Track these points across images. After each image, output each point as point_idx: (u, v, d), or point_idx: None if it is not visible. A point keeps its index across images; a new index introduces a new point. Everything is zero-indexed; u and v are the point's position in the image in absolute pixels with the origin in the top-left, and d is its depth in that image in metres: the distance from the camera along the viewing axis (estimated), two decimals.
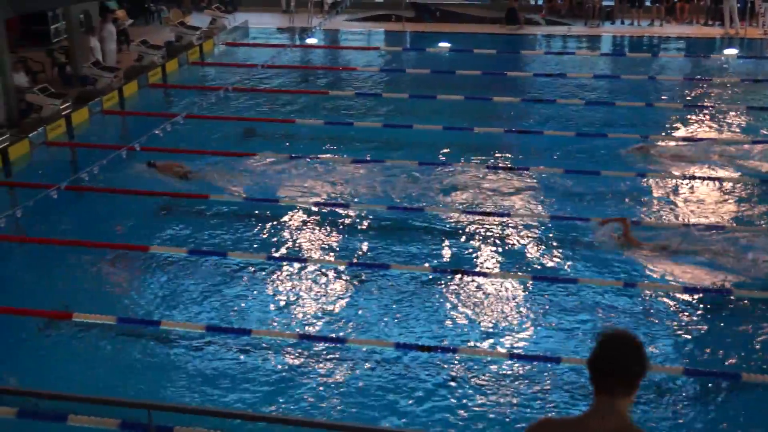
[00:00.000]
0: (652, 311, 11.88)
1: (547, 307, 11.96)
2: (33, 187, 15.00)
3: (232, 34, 27.18)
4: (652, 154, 17.17)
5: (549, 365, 10.58)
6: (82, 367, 10.80)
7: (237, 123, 19.40)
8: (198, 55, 24.70)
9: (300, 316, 11.90)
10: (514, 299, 12.20)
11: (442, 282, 12.56)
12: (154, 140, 15.69)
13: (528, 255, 13.40)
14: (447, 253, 13.50)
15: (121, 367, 10.80)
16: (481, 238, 13.91)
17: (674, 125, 19.22)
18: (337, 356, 10.90)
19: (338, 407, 9.97)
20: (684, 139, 18.27)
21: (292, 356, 10.93)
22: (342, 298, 12.31)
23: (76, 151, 18.12)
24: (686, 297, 12.13)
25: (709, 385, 10.28)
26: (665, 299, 12.11)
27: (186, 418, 9.15)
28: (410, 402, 10.04)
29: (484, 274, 12.79)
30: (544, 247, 13.63)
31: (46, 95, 19.00)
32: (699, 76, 23.04)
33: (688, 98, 21.17)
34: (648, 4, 29.19)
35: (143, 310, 12.04)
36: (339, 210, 14.89)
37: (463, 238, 13.92)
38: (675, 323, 11.65)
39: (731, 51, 25.30)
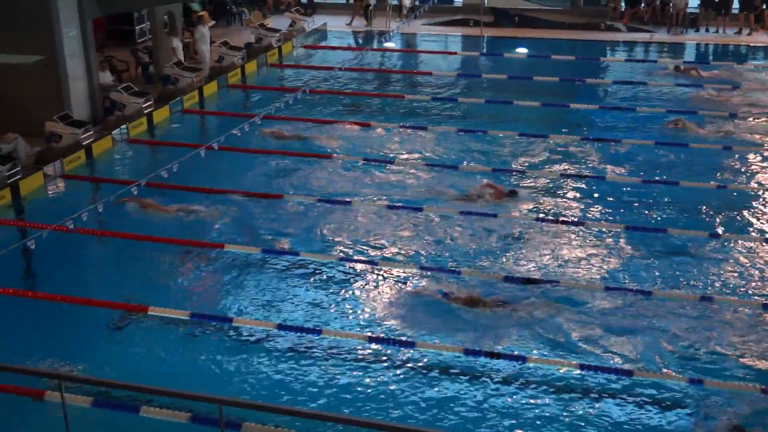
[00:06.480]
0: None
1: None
2: (115, 183, 15.37)
3: (310, 36, 27.44)
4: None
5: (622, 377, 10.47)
6: (156, 359, 11.03)
7: (313, 125, 19.58)
8: (277, 56, 25.01)
9: (370, 317, 11.94)
10: (590, 310, 12.06)
11: (508, 290, 12.48)
12: (232, 140, 15.93)
13: (603, 263, 13.22)
14: (520, 260, 13.39)
15: (193, 362, 11.01)
16: (554, 245, 13.79)
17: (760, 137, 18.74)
18: (406, 359, 10.91)
19: (409, 411, 9.98)
20: None
21: (363, 357, 10.98)
22: (413, 302, 12.29)
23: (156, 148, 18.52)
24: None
25: None
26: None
27: (255, 414, 9.26)
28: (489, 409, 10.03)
29: (556, 282, 12.64)
30: (620, 256, 13.47)
31: (130, 94, 19.47)
32: None
33: None
34: (735, 11, 28.35)
35: (216, 307, 12.25)
36: (410, 212, 14.87)
37: (535, 245, 13.80)
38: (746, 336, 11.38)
39: None
